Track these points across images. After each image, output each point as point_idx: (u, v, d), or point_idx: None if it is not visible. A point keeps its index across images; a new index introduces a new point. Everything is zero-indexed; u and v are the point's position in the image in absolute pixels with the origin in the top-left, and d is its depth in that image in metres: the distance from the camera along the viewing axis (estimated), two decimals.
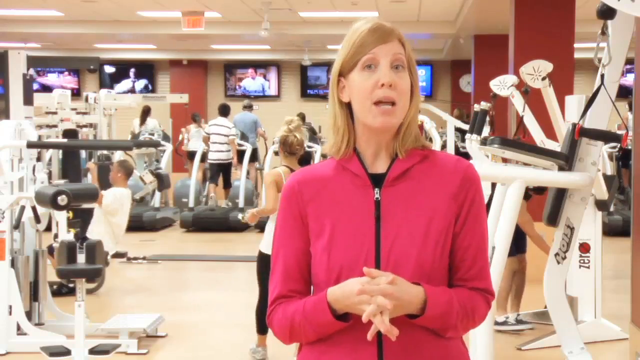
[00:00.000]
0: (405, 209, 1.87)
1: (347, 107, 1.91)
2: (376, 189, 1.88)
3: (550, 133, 6.95)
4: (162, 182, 10.54)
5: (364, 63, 1.85)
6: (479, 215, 1.92)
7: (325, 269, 1.87)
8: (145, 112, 15.82)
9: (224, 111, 14.02)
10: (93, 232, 8.22)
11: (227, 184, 13.86)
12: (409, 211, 1.87)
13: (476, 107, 7.03)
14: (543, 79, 6.54)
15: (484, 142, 5.50)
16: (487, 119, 7.05)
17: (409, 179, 1.89)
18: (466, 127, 11.41)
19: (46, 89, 19.97)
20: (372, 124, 1.86)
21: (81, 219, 8.35)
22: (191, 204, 13.52)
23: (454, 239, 1.89)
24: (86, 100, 11.17)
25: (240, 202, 13.56)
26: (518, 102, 6.84)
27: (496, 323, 6.78)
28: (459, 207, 1.89)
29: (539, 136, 6.81)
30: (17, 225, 6.51)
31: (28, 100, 7.24)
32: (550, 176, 5.07)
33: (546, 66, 6.53)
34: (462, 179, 1.90)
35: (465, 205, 1.89)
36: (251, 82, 22.39)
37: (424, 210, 1.87)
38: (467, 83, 20.83)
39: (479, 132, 6.86)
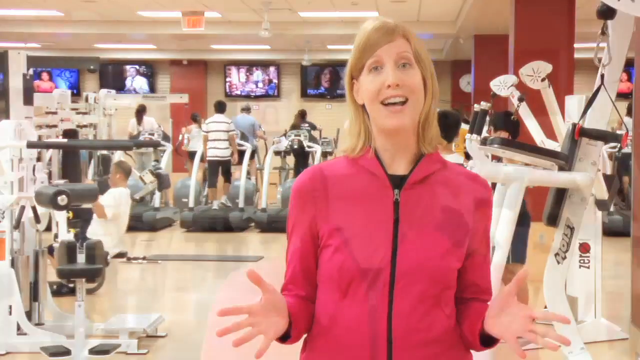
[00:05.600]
0: (424, 214, 1.84)
1: (363, 108, 1.88)
2: (396, 190, 1.84)
3: (550, 133, 6.95)
4: (162, 182, 10.55)
5: (370, 66, 1.83)
6: (488, 231, 1.94)
7: (338, 269, 1.83)
8: (140, 112, 15.71)
9: (220, 108, 13.75)
10: (93, 234, 8.21)
11: (227, 179, 13.69)
12: (427, 216, 1.84)
13: (476, 107, 7.03)
14: (542, 80, 6.55)
15: (484, 142, 5.49)
16: (487, 118, 7.04)
17: (428, 184, 1.86)
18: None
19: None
20: (384, 125, 1.83)
21: (81, 219, 8.35)
22: (191, 204, 13.47)
23: (467, 251, 1.88)
24: (86, 100, 11.17)
25: (240, 202, 13.51)
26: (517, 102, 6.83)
27: None
28: (474, 222, 1.87)
29: (538, 136, 6.81)
30: (17, 225, 6.51)
31: (28, 100, 7.24)
32: (550, 176, 5.08)
33: (545, 67, 6.53)
34: (480, 196, 1.90)
35: (481, 223, 1.90)
36: (251, 82, 22.37)
37: (441, 218, 1.84)
38: (467, 83, 20.86)
39: (479, 132, 6.85)
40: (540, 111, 6.91)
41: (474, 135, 6.49)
